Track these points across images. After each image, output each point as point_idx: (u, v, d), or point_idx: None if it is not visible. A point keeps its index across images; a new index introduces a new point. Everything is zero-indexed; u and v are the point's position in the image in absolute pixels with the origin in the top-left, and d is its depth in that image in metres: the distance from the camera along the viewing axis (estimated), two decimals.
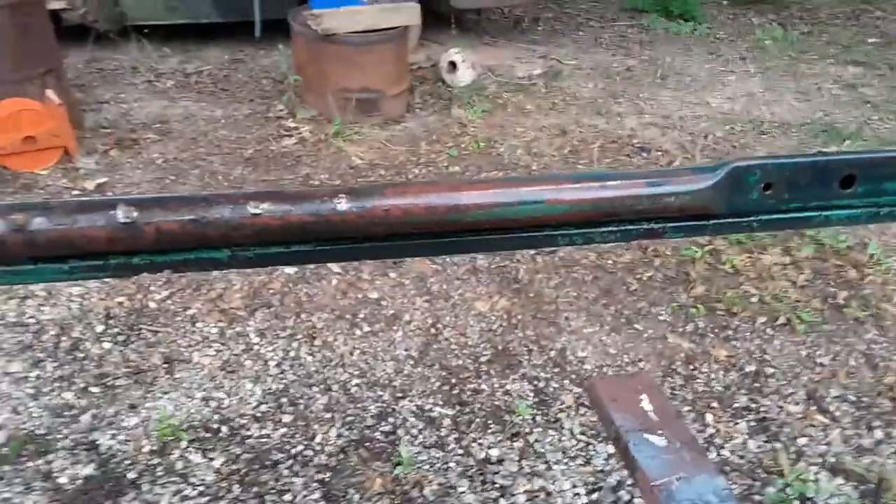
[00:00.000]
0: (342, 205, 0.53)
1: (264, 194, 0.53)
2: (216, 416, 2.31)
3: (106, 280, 2.74)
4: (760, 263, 3.31)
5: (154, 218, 0.50)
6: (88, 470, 2.09)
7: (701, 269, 3.26)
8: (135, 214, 0.49)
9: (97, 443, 2.17)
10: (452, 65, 5.18)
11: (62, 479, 2.06)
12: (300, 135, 4.35)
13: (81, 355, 2.50)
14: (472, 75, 5.25)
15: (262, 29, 5.39)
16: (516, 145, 4.42)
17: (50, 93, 3.76)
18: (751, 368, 2.69)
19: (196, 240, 0.51)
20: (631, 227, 0.60)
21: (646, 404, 1.53)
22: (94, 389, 2.37)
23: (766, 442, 2.37)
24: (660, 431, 1.46)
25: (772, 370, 2.68)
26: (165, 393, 2.38)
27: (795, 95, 5.38)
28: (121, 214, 0.49)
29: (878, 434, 2.41)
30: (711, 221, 0.61)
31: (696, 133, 4.65)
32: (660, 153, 4.37)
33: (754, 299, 3.05)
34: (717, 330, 2.89)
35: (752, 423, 2.44)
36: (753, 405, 2.52)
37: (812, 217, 0.63)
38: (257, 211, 0.51)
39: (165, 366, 2.50)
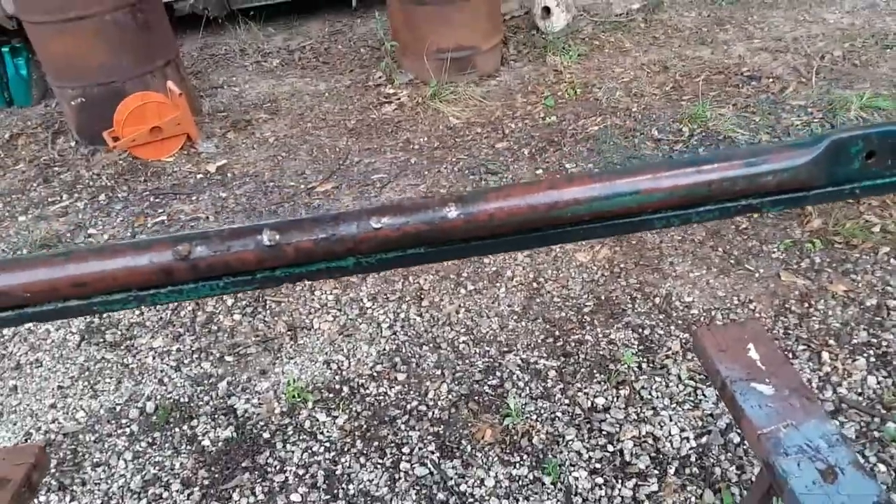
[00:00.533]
0: (451, 212, 0.59)
1: (385, 209, 0.59)
2: (337, 378, 2.50)
3: None
4: None
5: (293, 239, 0.58)
6: (228, 432, 2.35)
7: None
8: (277, 238, 0.58)
9: (234, 407, 2.43)
10: (546, 10, 5.08)
11: (205, 442, 2.33)
12: (399, 100, 4.45)
13: (215, 328, 2.78)
14: (567, 18, 5.12)
15: None
16: (615, 87, 4.31)
17: (171, 84, 4.06)
18: (871, 302, 2.55)
19: (327, 253, 0.59)
20: (729, 204, 0.61)
21: (753, 353, 1.51)
22: (229, 358, 2.63)
23: (886, 377, 2.27)
24: (767, 380, 1.45)
25: (895, 303, 2.53)
26: (291, 358, 2.61)
27: None
28: (266, 238, 0.58)
29: None
30: (812, 192, 0.61)
31: (811, 54, 4.32)
32: (770, 80, 4.11)
33: (876, 229, 2.87)
34: (834, 264, 2.75)
35: (872, 359, 2.33)
36: (874, 340, 2.41)
37: None
38: (378, 225, 0.59)
39: (289, 333, 2.72)
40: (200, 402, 2.46)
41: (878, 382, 2.25)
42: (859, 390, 2.24)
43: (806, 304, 2.60)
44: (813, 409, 1.43)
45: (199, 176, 3.87)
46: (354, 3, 5.53)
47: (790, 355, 2.40)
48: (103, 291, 0.57)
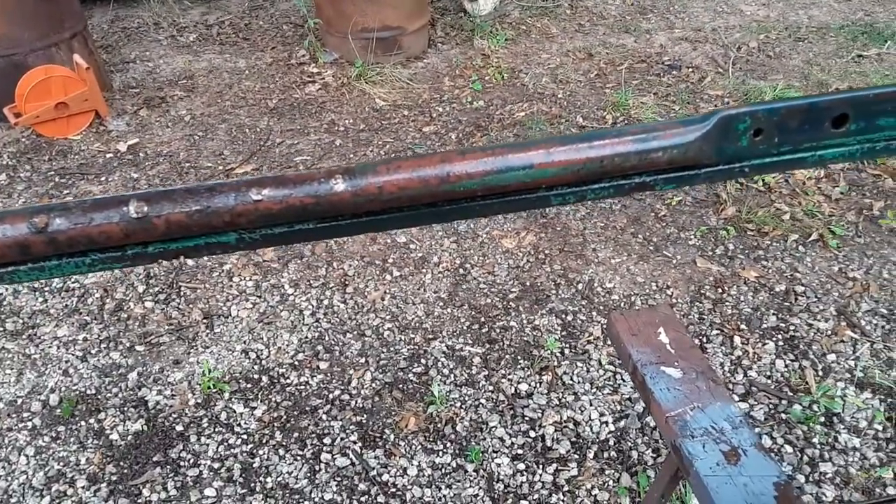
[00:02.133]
0: (339, 185, 0.55)
1: (266, 180, 0.55)
2: (256, 367, 2.42)
3: None
4: (794, 178, 3.22)
5: (163, 211, 0.53)
6: (138, 425, 2.24)
7: (732, 190, 3.19)
8: (145, 209, 0.53)
9: (145, 399, 2.32)
10: None
11: (114, 436, 2.21)
12: (323, 80, 4.34)
13: (125, 316, 2.64)
14: (494, 2, 5.11)
15: None
16: (541, 73, 4.33)
17: (77, 57, 3.81)
18: (781, 288, 2.66)
19: (203, 227, 0.55)
20: (623, 181, 0.61)
21: (663, 336, 1.54)
22: (140, 348, 2.51)
23: (793, 361, 2.37)
24: (676, 363, 1.48)
25: (802, 288, 2.65)
26: (207, 347, 2.51)
27: None
28: (132, 210, 0.53)
29: None
30: (703, 170, 0.61)
31: (729, 45, 4.46)
32: (690, 70, 4.22)
33: (786, 216, 2.99)
34: (747, 251, 2.86)
35: (781, 343, 2.44)
36: (783, 325, 2.51)
37: (805, 158, 0.63)
38: (259, 197, 0.55)
39: (205, 321, 2.62)
40: (109, 395, 2.34)
41: (786, 366, 2.35)
42: (768, 373, 2.34)
43: (720, 290, 2.69)
44: (718, 392, 1.47)
45: (108, 155, 3.67)
46: None
47: (704, 339, 2.48)
48: None
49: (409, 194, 0.56)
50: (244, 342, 2.52)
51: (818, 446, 2.10)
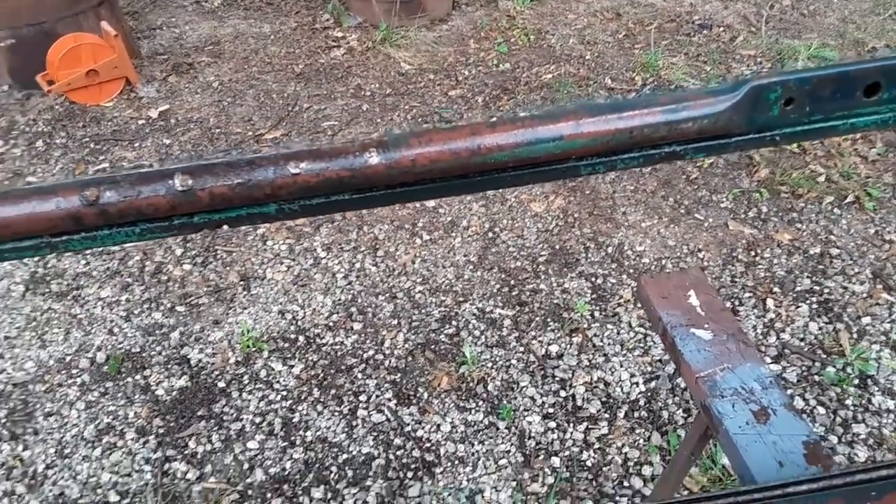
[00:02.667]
0: (373, 158, 0.57)
1: (302, 153, 0.58)
2: (293, 327, 2.48)
3: None
4: (829, 140, 3.18)
5: (207, 184, 0.56)
6: (182, 382, 2.31)
7: (765, 151, 3.16)
8: (189, 182, 0.56)
9: (188, 357, 2.39)
10: None
11: (159, 392, 2.29)
12: (348, 44, 4.33)
13: (165, 278, 2.71)
14: None
15: None
16: (568, 34, 4.28)
17: (105, 24, 3.84)
18: (815, 250, 2.65)
19: (245, 199, 0.58)
20: (653, 151, 0.61)
21: (693, 300, 1.56)
22: (180, 309, 2.57)
23: (827, 323, 2.37)
24: (706, 325, 1.50)
25: (837, 251, 2.63)
26: (245, 308, 2.57)
27: None
28: (178, 183, 0.56)
29: None
30: (734, 139, 0.61)
31: (761, 3, 4.36)
32: (722, 29, 4.14)
33: (821, 178, 2.96)
34: (780, 213, 2.84)
35: (815, 306, 2.44)
36: (817, 287, 2.51)
37: (837, 126, 0.63)
38: (296, 171, 0.57)
39: (242, 283, 2.67)
40: (153, 353, 2.41)
41: (820, 329, 2.36)
42: (801, 336, 2.34)
43: (752, 253, 2.68)
44: (749, 354, 1.49)
45: (140, 122, 3.71)
46: None
47: (737, 303, 2.48)
48: (10, 238, 0.55)
49: (440, 167, 0.58)
50: (280, 304, 2.58)
51: (851, 408, 2.11)
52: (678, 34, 4.17)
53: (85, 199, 0.54)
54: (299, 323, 2.50)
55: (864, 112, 0.62)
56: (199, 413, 2.21)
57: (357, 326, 2.48)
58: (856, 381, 2.17)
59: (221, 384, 2.29)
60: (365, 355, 2.37)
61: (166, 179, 0.56)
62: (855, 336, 2.31)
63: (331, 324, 2.49)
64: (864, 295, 2.45)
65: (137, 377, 2.33)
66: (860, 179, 2.92)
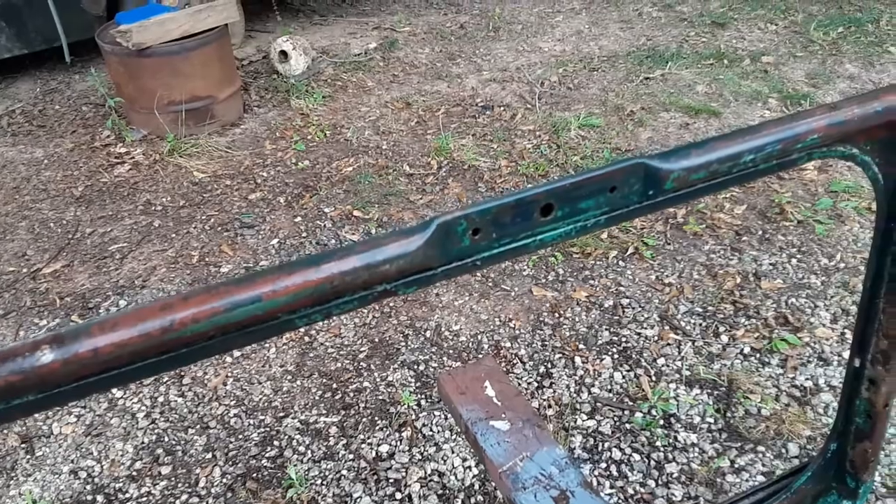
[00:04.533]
0: (46, 356, 0.51)
1: None
2: (88, 487, 2.19)
3: None
4: None
5: None
6: None
7: None
8: None
9: None
10: (284, 54, 5.02)
11: None
12: (133, 159, 4.12)
13: None
14: (306, 61, 5.12)
15: (71, 53, 5.03)
16: (363, 126, 4.38)
17: None
18: (609, 303, 2.83)
19: None
20: (364, 293, 0.62)
21: (489, 390, 1.59)
22: None
23: (629, 371, 2.51)
24: (504, 415, 1.53)
25: (627, 300, 2.83)
26: (29, 475, 2.24)
27: (619, 25, 5.58)
28: None
29: (724, 338, 2.61)
30: (439, 270, 0.64)
31: (533, 81, 4.75)
32: (502, 108, 4.45)
33: (604, 236, 3.20)
34: (575, 273, 3.01)
35: (616, 356, 2.58)
36: (615, 338, 2.66)
37: (528, 244, 0.67)
38: None
39: (24, 445, 2.34)
40: None
41: (623, 377, 2.49)
42: (609, 387, 2.46)
43: (556, 314, 2.80)
44: (544, 437, 1.54)
45: None
46: (69, 59, 5.03)
47: (550, 366, 2.57)
48: None
49: (130, 350, 0.53)
50: (72, 461, 2.28)
51: (661, 449, 2.22)
52: (465, 117, 4.42)
53: None
54: (96, 480, 2.22)
55: (546, 229, 0.66)
56: None
57: (165, 470, 2.24)
58: (661, 422, 2.30)
59: None
60: (177, 502, 2.15)
61: None
62: (654, 378, 2.47)
63: (134, 473, 2.23)
64: (655, 338, 2.64)
65: None
66: (637, 232, 3.19)
